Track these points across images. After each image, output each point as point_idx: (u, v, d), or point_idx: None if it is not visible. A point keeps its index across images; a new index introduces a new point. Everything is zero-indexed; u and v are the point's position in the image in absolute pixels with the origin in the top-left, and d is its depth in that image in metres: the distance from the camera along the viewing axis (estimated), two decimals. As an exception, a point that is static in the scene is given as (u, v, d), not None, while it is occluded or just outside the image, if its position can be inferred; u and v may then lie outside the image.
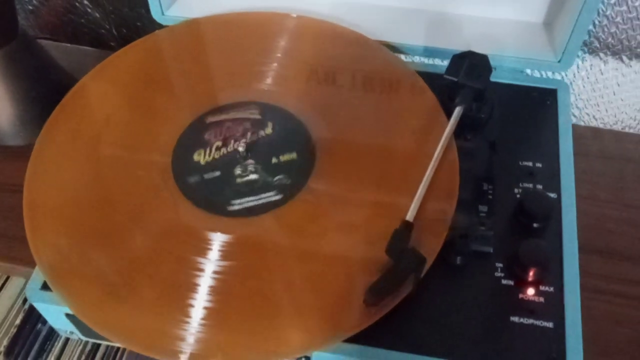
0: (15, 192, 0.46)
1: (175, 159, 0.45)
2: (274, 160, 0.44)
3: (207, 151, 0.45)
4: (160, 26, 0.56)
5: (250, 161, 0.44)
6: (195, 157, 0.44)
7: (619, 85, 0.59)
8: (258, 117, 0.47)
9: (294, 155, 0.44)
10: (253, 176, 0.43)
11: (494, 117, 0.47)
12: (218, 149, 0.45)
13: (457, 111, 0.44)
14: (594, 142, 0.55)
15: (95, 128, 0.47)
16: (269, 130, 0.46)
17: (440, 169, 0.42)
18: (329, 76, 0.49)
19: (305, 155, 0.44)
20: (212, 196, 0.42)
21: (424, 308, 0.39)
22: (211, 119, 0.46)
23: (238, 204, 0.42)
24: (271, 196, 0.42)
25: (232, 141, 0.45)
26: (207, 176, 0.43)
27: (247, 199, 0.42)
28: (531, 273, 0.39)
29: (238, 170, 0.44)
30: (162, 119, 0.47)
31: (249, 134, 0.45)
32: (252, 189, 0.43)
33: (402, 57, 0.53)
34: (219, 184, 0.43)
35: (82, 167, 0.45)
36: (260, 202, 0.42)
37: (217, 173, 0.44)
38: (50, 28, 0.73)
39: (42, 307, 0.41)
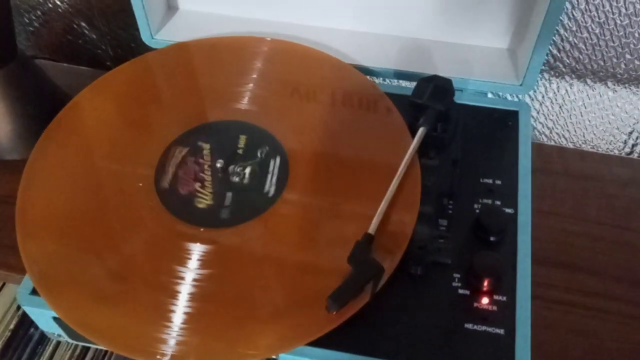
0: (12, 204, 0.49)
1: (159, 171, 0.48)
2: (239, 151, 0.48)
3: (201, 196, 0.47)
4: (151, 48, 0.60)
5: (232, 166, 0.48)
6: (200, 206, 0.46)
7: (585, 107, 0.62)
8: (188, 148, 0.50)
9: (244, 138, 0.49)
10: (248, 169, 0.47)
11: (458, 136, 0.50)
12: (203, 187, 0.47)
13: (421, 131, 0.47)
14: (559, 160, 0.58)
15: (86, 142, 0.50)
16: (206, 145, 0.50)
17: (403, 185, 0.45)
18: (303, 96, 0.53)
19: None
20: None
21: (384, 315, 0.41)
22: (165, 183, 0.48)
23: (271, 187, 0.46)
24: (275, 163, 0.47)
25: (203, 173, 0.48)
26: (227, 203, 0.47)
27: (269, 181, 0.46)
28: (485, 283, 0.42)
29: (236, 178, 0.47)
30: (149, 134, 0.50)
31: (201, 160, 0.49)
32: (259, 175, 0.47)
33: (374, 79, 0.56)
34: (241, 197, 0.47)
35: (71, 179, 0.48)
36: (276, 172, 0.47)
37: (230, 194, 0.47)
38: (50, 48, 0.77)
39: (31, 311, 0.44)
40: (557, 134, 0.66)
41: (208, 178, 0.47)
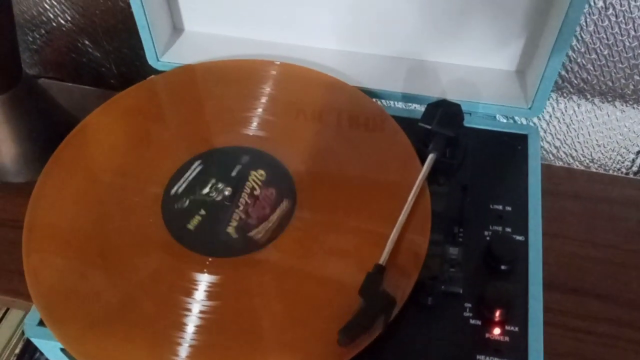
0: (17, 227, 0.49)
1: (166, 210, 0.47)
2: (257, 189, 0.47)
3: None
4: (156, 69, 0.60)
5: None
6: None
7: (592, 126, 0.62)
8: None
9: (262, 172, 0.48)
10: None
11: (467, 161, 0.50)
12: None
13: (430, 158, 0.47)
14: (567, 182, 0.58)
15: (94, 167, 0.50)
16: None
17: (413, 213, 0.45)
18: (310, 120, 0.52)
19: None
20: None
21: (396, 346, 0.41)
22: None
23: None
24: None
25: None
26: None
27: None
28: (497, 314, 0.41)
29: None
30: (157, 158, 0.50)
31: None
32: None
33: (381, 102, 0.56)
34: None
35: (80, 205, 0.47)
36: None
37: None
38: (54, 66, 0.77)
39: (39, 342, 0.44)
40: (565, 153, 0.66)
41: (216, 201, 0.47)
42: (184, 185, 0.48)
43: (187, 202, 0.47)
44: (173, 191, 0.48)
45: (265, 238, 0.45)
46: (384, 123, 0.51)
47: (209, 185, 0.48)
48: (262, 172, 0.49)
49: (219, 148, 0.51)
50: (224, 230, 0.45)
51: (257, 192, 0.47)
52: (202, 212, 0.46)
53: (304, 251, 0.44)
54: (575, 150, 0.65)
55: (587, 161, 0.66)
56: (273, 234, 0.45)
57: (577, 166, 0.67)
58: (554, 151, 0.66)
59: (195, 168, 0.49)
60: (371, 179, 0.48)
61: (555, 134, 0.64)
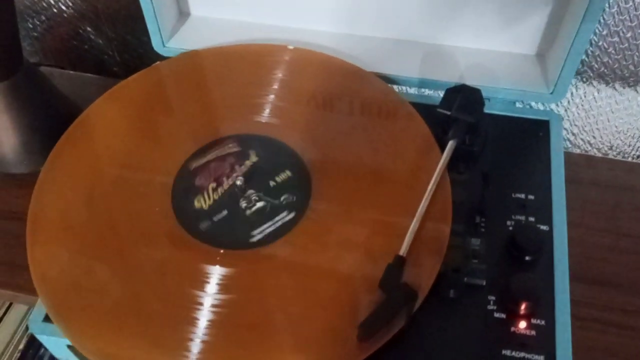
0: (19, 219, 0.47)
1: (176, 201, 0.45)
2: (272, 183, 0.45)
3: (205, 195, 0.45)
4: (161, 55, 0.58)
5: (251, 191, 0.45)
6: (196, 204, 0.45)
7: (612, 112, 0.60)
8: (238, 149, 0.48)
9: (288, 173, 0.46)
10: (260, 204, 0.44)
11: (487, 149, 0.48)
12: (214, 189, 0.46)
13: (450, 145, 0.45)
14: (587, 170, 0.56)
15: (99, 155, 0.48)
16: (254, 158, 0.47)
17: (433, 203, 0.43)
18: (324, 107, 0.50)
19: (300, 174, 0.46)
20: (225, 236, 0.43)
21: (417, 341, 0.39)
22: (195, 164, 0.47)
23: (259, 234, 0.43)
24: (285, 216, 0.43)
25: (225, 178, 0.46)
26: (215, 218, 0.44)
27: (264, 226, 0.43)
28: (522, 307, 0.40)
29: (243, 203, 0.45)
30: (164, 147, 0.48)
31: (237, 167, 0.46)
32: (263, 216, 0.44)
33: (397, 88, 0.54)
34: (228, 221, 0.44)
35: (85, 195, 0.46)
36: (277, 224, 0.43)
37: (225, 212, 0.44)
38: (55, 54, 0.75)
39: (44, 339, 0.42)
40: (582, 140, 0.64)
41: (224, 186, 0.45)
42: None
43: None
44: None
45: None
46: (402, 109, 0.49)
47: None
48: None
49: (231, 135, 0.49)
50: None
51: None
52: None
53: (320, 243, 0.43)
54: (594, 137, 0.63)
55: (606, 148, 0.64)
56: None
57: (595, 153, 0.65)
58: (572, 138, 0.64)
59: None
60: (388, 167, 0.46)
61: (574, 121, 0.62)
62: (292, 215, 0.44)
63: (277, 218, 0.44)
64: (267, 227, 0.43)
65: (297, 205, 0.44)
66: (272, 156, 0.47)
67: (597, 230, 0.52)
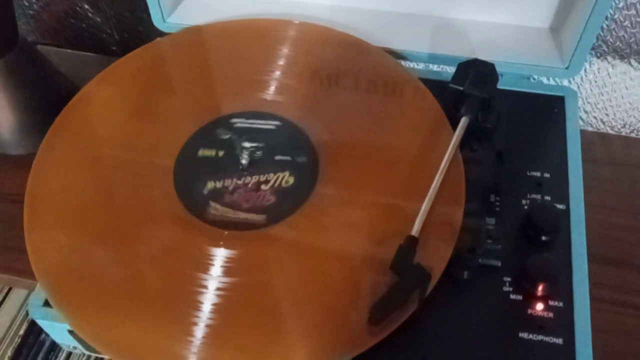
0: (17, 202, 0.46)
1: (178, 167, 0.44)
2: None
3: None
4: (160, 32, 0.56)
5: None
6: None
7: (627, 88, 0.58)
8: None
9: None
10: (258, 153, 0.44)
11: (500, 126, 0.46)
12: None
13: (463, 121, 0.43)
14: (602, 148, 0.54)
15: (97, 136, 0.47)
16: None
17: (446, 181, 0.41)
18: (331, 84, 0.49)
19: (306, 152, 0.44)
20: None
21: (431, 325, 0.38)
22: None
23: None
24: (285, 176, 0.42)
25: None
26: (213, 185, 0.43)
27: (256, 177, 0.42)
28: (540, 288, 0.38)
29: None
30: (165, 127, 0.47)
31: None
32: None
33: (405, 63, 0.52)
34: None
35: (84, 176, 0.44)
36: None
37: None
38: (52, 32, 0.73)
39: (44, 324, 0.41)
40: (595, 117, 0.62)
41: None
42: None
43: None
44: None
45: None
46: (411, 86, 0.47)
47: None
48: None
49: (235, 113, 0.47)
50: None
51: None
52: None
53: (328, 224, 0.41)
54: (607, 115, 0.62)
55: (619, 126, 0.62)
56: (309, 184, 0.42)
57: (608, 131, 0.63)
58: (584, 116, 0.62)
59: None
60: (398, 145, 0.45)
61: (586, 98, 0.60)
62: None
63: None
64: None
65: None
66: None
67: (611, 209, 0.50)
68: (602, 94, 0.60)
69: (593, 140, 0.55)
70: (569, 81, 0.59)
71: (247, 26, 0.53)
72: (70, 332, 0.40)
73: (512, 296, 0.39)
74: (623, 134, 0.63)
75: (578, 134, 0.46)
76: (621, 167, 0.53)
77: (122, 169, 0.45)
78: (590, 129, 0.63)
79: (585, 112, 0.62)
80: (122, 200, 0.43)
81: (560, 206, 0.43)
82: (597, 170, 0.53)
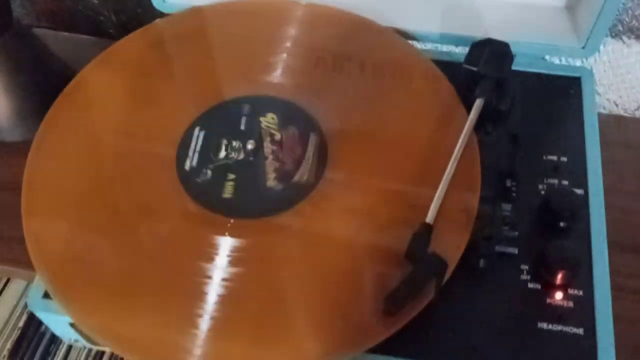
0: (14, 190, 0.44)
1: (180, 154, 0.42)
2: None
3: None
4: (160, 14, 0.54)
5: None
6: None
7: (642, 69, 0.57)
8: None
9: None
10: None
11: (515, 108, 0.45)
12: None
13: (478, 103, 0.42)
14: (617, 131, 0.53)
15: (96, 121, 0.45)
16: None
17: (460, 166, 0.40)
18: (339, 66, 0.47)
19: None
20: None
21: (447, 315, 0.37)
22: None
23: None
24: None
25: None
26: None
27: None
28: (559, 276, 0.37)
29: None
30: (166, 111, 0.45)
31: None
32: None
33: (416, 44, 0.50)
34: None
35: (83, 161, 0.43)
36: None
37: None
38: (48, 15, 0.71)
39: (44, 316, 0.40)
40: (608, 99, 0.61)
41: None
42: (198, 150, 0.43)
43: (209, 172, 0.42)
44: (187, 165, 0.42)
45: (312, 177, 0.40)
46: (423, 67, 0.46)
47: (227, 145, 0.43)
48: (272, 115, 0.43)
49: (240, 97, 0.45)
50: (265, 185, 0.40)
51: (277, 137, 0.42)
52: (231, 176, 0.41)
53: (338, 211, 0.39)
54: (621, 97, 0.60)
55: (633, 108, 0.61)
56: (318, 171, 0.40)
57: (621, 114, 0.61)
58: (597, 98, 0.61)
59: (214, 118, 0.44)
60: (411, 129, 0.43)
61: (600, 79, 0.59)
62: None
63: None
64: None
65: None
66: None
67: (628, 193, 0.49)
68: (616, 76, 0.58)
69: (608, 123, 0.53)
70: (582, 62, 0.57)
71: (251, 7, 0.51)
72: (72, 324, 0.39)
73: (530, 285, 0.38)
74: (637, 115, 0.61)
75: (595, 116, 0.45)
76: (637, 151, 0.51)
77: (123, 154, 0.43)
78: (603, 111, 0.62)
79: (599, 94, 0.60)
80: (124, 187, 0.41)
81: (578, 191, 0.41)
82: (612, 153, 0.51)
